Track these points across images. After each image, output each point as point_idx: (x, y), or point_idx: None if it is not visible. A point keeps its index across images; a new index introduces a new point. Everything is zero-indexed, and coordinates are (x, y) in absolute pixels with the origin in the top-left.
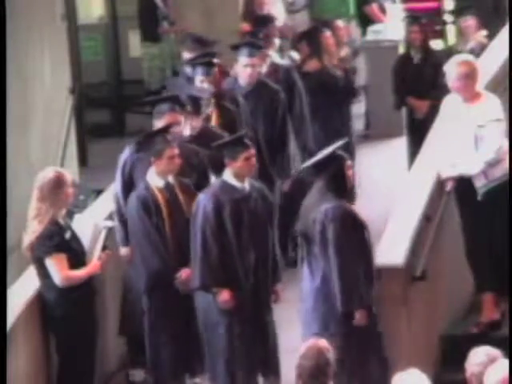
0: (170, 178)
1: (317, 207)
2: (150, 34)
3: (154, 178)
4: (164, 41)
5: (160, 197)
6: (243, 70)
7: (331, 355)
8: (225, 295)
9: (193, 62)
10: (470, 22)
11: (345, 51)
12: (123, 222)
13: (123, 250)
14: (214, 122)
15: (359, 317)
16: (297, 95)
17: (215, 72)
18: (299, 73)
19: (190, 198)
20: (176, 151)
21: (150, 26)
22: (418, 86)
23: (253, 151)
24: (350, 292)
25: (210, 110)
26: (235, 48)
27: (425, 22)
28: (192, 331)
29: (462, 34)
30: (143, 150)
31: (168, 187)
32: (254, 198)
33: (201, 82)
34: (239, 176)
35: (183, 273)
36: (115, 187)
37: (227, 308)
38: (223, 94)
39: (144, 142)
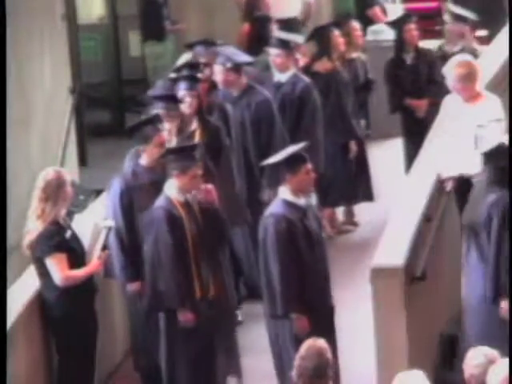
0: (189, 195)
1: (483, 199)
2: (154, 33)
3: (174, 192)
4: (167, 39)
5: (182, 211)
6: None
7: (330, 355)
8: (303, 322)
9: (175, 77)
10: (459, 25)
11: (356, 54)
12: (128, 255)
13: (133, 286)
14: (197, 138)
15: (504, 307)
16: (308, 113)
17: (199, 86)
18: (308, 73)
19: (207, 216)
20: (200, 171)
21: (154, 24)
22: (414, 86)
23: (310, 165)
24: (497, 281)
25: (194, 127)
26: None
27: (417, 19)
28: (212, 354)
29: (449, 35)
30: (168, 160)
31: (187, 203)
32: (311, 213)
33: (183, 97)
34: (297, 192)
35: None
36: (115, 221)
37: (303, 334)
38: (211, 106)
39: (170, 154)
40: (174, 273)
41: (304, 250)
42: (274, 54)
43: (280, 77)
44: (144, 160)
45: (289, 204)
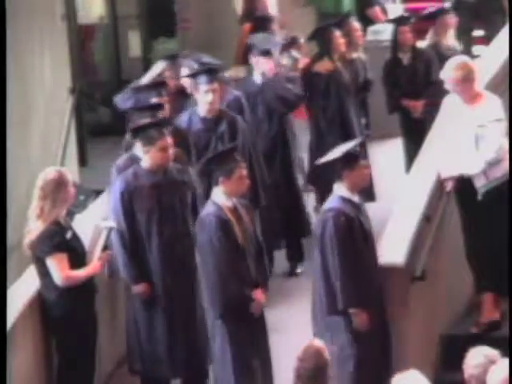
0: (234, 199)
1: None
2: (166, 30)
3: (222, 198)
4: (177, 37)
5: (231, 216)
6: (204, 96)
7: (328, 356)
8: (363, 317)
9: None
10: (452, 19)
11: (357, 54)
12: (132, 255)
13: (138, 287)
14: None
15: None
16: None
17: (166, 93)
18: (308, 73)
19: (252, 218)
20: (244, 172)
21: (166, 21)
22: (411, 86)
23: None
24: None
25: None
26: (193, 75)
27: (413, 21)
28: (265, 358)
29: (442, 31)
30: (211, 169)
31: (235, 207)
32: (364, 210)
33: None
34: (352, 189)
35: (257, 294)
36: (116, 222)
37: (363, 329)
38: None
39: (212, 162)
40: (223, 280)
41: (361, 246)
42: (261, 62)
43: (258, 78)
44: (146, 162)
45: (345, 200)
